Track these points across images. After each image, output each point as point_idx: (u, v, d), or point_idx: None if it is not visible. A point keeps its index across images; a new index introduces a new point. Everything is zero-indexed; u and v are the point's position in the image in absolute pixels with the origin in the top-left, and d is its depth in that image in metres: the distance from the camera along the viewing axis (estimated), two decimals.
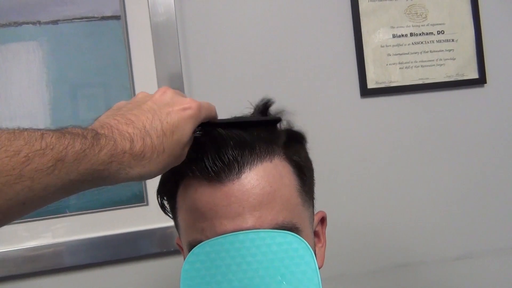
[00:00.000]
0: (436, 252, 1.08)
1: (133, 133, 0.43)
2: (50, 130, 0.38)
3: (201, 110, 0.49)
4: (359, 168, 1.05)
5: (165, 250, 0.95)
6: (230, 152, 0.54)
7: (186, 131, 0.47)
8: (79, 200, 0.94)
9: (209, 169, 0.54)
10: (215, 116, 0.54)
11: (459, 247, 1.09)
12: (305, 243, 0.51)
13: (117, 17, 0.95)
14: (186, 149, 0.49)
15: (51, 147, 0.37)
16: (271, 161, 0.56)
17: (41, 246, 0.91)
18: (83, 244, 0.92)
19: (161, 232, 0.95)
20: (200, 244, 0.53)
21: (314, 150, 0.66)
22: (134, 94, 0.95)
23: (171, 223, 0.94)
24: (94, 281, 0.94)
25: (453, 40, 1.07)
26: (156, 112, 0.46)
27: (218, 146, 0.55)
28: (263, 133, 0.57)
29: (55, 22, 0.93)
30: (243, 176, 0.54)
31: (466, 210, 1.09)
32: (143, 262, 0.96)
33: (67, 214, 0.93)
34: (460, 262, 1.09)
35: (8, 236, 0.91)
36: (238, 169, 0.54)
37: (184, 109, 0.47)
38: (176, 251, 0.96)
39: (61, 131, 0.38)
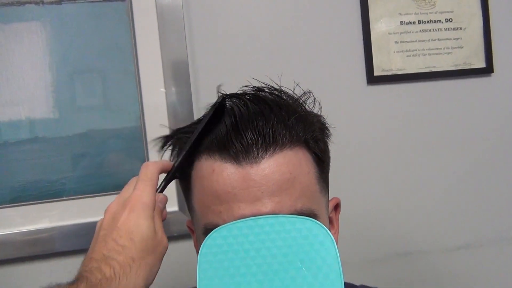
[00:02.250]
0: (437, 242, 1.09)
1: (97, 265, 0.46)
2: None
3: (142, 198, 0.51)
4: (362, 155, 1.04)
5: (168, 235, 0.94)
6: (250, 136, 0.53)
7: (143, 227, 0.50)
8: (81, 184, 0.93)
9: (227, 150, 0.53)
10: (163, 170, 0.57)
11: (460, 237, 1.10)
12: (325, 229, 0.50)
13: None
14: (160, 238, 0.53)
15: None
16: (291, 149, 0.55)
17: (41, 229, 0.91)
18: (85, 228, 0.91)
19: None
20: (217, 228, 0.52)
21: None
22: (139, 78, 0.93)
23: (173, 208, 0.94)
24: None
25: (461, 29, 1.06)
26: (107, 235, 0.49)
27: (238, 127, 0.54)
28: (285, 119, 0.56)
29: (58, 2, 0.91)
30: (263, 161, 0.53)
31: (468, 200, 1.09)
32: None
33: (68, 198, 0.92)
34: (461, 251, 1.09)
35: (4, 221, 0.90)
36: (257, 154, 0.53)
37: (127, 212, 0.50)
38: (178, 237, 0.95)
39: None
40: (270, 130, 0.54)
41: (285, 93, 0.61)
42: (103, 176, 0.94)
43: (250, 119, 0.54)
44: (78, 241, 0.91)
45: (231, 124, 0.54)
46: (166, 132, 0.93)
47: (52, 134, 0.91)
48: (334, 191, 0.66)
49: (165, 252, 0.53)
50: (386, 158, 1.05)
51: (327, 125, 0.63)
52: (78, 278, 0.45)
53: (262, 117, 0.54)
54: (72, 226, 0.91)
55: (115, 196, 0.92)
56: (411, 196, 1.07)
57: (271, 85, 0.61)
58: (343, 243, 0.99)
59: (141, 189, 0.52)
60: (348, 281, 0.73)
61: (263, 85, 0.61)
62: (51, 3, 0.91)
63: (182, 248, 0.95)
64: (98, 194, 0.93)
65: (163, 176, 0.59)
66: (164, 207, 0.57)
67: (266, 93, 0.59)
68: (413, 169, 1.06)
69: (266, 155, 0.53)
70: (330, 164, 0.64)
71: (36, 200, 0.91)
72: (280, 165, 0.53)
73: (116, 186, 0.93)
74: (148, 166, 0.55)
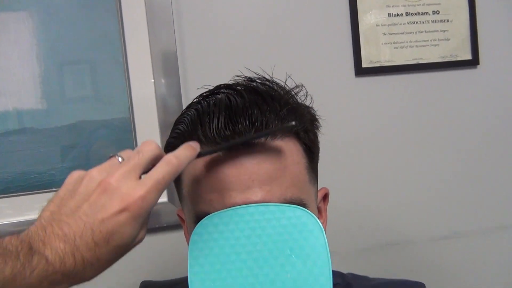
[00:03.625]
0: (425, 231, 1.10)
1: (64, 250, 0.40)
2: None
3: (144, 204, 0.42)
4: (350, 147, 1.05)
5: (157, 225, 0.95)
6: (243, 124, 0.53)
7: (125, 235, 0.42)
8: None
9: (219, 138, 0.53)
10: (190, 159, 0.48)
11: (448, 227, 1.11)
12: (314, 218, 0.51)
13: None
14: (137, 240, 0.45)
15: None
16: (282, 139, 0.56)
17: (30, 220, 0.89)
18: None
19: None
20: (208, 215, 0.52)
21: None
22: (127, 69, 0.93)
23: (162, 199, 0.95)
24: None
25: (447, 21, 1.07)
26: (89, 220, 0.41)
27: (230, 115, 0.54)
28: (277, 110, 0.56)
29: None
30: (254, 150, 0.54)
31: (454, 190, 1.11)
32: None
33: (57, 189, 0.91)
34: (448, 241, 1.11)
35: None
36: (250, 143, 0.53)
37: (121, 211, 0.41)
38: (167, 228, 0.95)
39: None
40: (263, 119, 0.54)
41: (276, 84, 0.61)
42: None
43: (244, 108, 0.54)
44: None
45: (225, 114, 0.54)
46: (155, 124, 0.94)
47: (41, 125, 0.91)
48: (323, 181, 0.67)
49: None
50: (374, 149, 1.06)
51: (317, 117, 0.64)
52: (32, 251, 0.39)
53: (256, 106, 0.55)
54: None
55: None
56: (399, 186, 1.08)
57: (263, 76, 0.62)
58: (332, 233, 1.00)
59: (149, 191, 0.43)
60: (336, 270, 0.74)
61: (255, 76, 0.61)
62: None
63: (172, 239, 0.96)
64: None
65: None
66: None
67: (258, 84, 0.60)
68: (401, 160, 1.08)
69: (257, 143, 0.54)
70: (320, 155, 0.65)
71: (25, 192, 0.91)
72: (271, 154, 0.54)
73: None
74: (169, 163, 0.45)
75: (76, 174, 0.46)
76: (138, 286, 0.84)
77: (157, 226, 0.95)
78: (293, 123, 0.53)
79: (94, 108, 0.93)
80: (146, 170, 0.45)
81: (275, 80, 0.62)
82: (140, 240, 0.45)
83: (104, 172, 0.44)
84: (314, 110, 0.64)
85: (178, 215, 0.67)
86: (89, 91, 0.94)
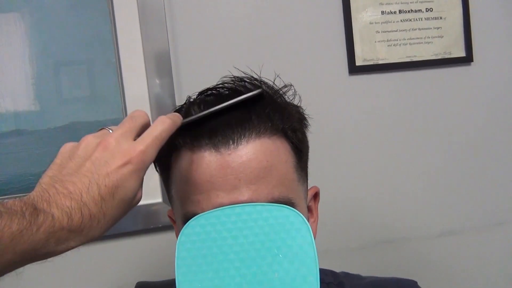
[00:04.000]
0: (420, 229, 1.10)
1: (71, 207, 0.41)
2: None
3: (145, 158, 0.45)
4: (345, 145, 1.05)
5: (152, 226, 0.95)
6: (229, 123, 0.54)
7: (129, 188, 0.44)
8: None
9: (205, 138, 0.54)
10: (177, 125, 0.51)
11: (442, 224, 1.11)
12: (301, 217, 0.51)
13: None
14: (137, 198, 0.46)
15: None
16: (269, 138, 0.56)
17: None
18: None
19: (145, 209, 0.95)
20: (195, 216, 0.52)
21: None
22: (120, 70, 0.93)
23: (156, 200, 0.95)
24: (77, 258, 0.93)
25: (441, 18, 1.07)
26: (94, 176, 0.43)
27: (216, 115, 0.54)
28: (263, 109, 0.57)
29: None
30: (240, 147, 0.54)
31: (450, 187, 1.11)
32: (127, 239, 0.95)
33: None
34: (443, 238, 1.11)
35: None
36: (237, 140, 0.54)
37: (124, 164, 0.43)
38: (162, 228, 0.95)
39: None
40: (247, 119, 0.55)
41: (265, 83, 0.61)
42: None
43: (228, 108, 0.55)
44: None
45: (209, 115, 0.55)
46: None
47: (35, 127, 0.91)
48: (317, 180, 0.67)
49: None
50: (368, 147, 1.06)
51: (305, 116, 0.64)
52: (38, 210, 0.39)
53: (241, 107, 0.55)
54: None
55: None
56: (393, 183, 1.08)
57: (252, 75, 0.62)
58: (326, 231, 1.00)
59: (149, 146, 0.45)
60: (330, 268, 0.74)
61: (244, 75, 0.61)
62: None
63: (167, 239, 0.96)
64: None
65: None
66: None
67: (246, 83, 0.60)
68: (395, 157, 1.08)
69: (243, 141, 0.54)
70: (314, 153, 0.65)
71: (19, 193, 0.91)
72: (258, 152, 0.54)
73: None
74: (164, 122, 0.48)
75: (69, 144, 0.47)
76: (134, 286, 0.84)
77: (152, 226, 0.95)
78: (260, 90, 0.56)
79: (87, 109, 0.93)
80: (137, 135, 0.47)
81: (264, 79, 0.62)
82: (139, 200, 0.47)
83: (100, 137, 0.46)
84: (302, 109, 0.64)
85: (169, 216, 0.67)
86: (82, 92, 0.94)
